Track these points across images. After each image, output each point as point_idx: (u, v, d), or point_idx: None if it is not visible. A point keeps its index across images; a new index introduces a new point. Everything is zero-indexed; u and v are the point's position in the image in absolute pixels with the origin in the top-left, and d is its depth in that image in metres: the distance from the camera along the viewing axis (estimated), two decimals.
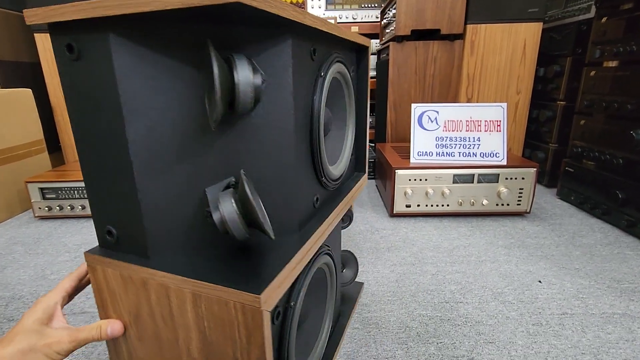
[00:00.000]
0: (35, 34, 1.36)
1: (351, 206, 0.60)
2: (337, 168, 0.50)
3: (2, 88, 1.36)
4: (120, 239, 0.36)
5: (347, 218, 0.67)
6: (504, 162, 1.08)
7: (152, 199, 0.33)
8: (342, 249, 0.64)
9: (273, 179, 0.36)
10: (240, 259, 0.35)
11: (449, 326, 0.64)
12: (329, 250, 0.49)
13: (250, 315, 0.30)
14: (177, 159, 0.33)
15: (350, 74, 0.51)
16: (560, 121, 1.31)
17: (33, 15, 0.30)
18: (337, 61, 0.45)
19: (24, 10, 0.29)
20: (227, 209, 0.31)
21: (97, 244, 0.38)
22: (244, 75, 0.29)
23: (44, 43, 1.37)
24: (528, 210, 1.11)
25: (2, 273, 0.85)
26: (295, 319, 0.38)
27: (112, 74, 0.29)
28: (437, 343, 0.60)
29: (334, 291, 0.55)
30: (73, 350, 0.35)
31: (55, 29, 0.31)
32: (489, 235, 1.00)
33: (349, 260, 0.67)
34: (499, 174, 1.07)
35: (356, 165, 0.62)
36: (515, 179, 1.07)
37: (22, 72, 1.46)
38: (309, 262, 0.42)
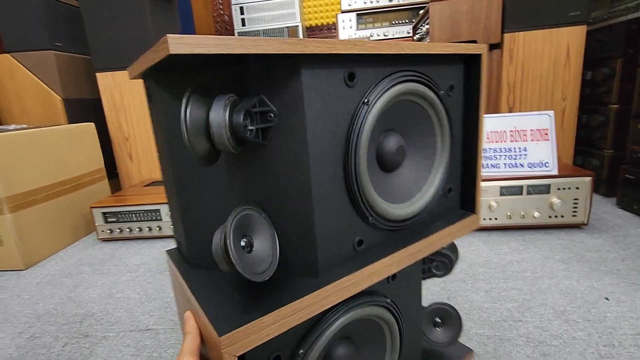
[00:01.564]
0: (97, 74, 1.51)
1: (456, 252, 0.54)
2: (410, 206, 0.44)
3: (68, 123, 1.51)
4: None
5: (442, 266, 0.53)
6: (555, 172, 1.03)
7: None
8: (441, 302, 0.56)
9: (289, 215, 0.35)
10: (249, 290, 0.35)
11: (509, 346, 0.62)
12: (389, 303, 0.44)
13: (216, 353, 0.30)
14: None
15: (439, 93, 0.44)
16: (615, 126, 1.24)
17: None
18: (408, 81, 0.40)
19: (169, 38, 0.26)
20: (214, 241, 0.32)
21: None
22: (216, 115, 0.30)
23: (104, 81, 1.52)
24: (585, 222, 1.04)
25: (74, 292, 0.93)
26: None
27: (303, 116, 0.33)
28: None
29: (397, 352, 0.47)
30: None
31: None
32: (544, 250, 0.95)
33: (447, 316, 0.55)
34: (550, 185, 1.03)
35: (462, 203, 0.52)
36: (569, 189, 1.02)
37: (84, 108, 1.62)
38: (335, 311, 0.39)
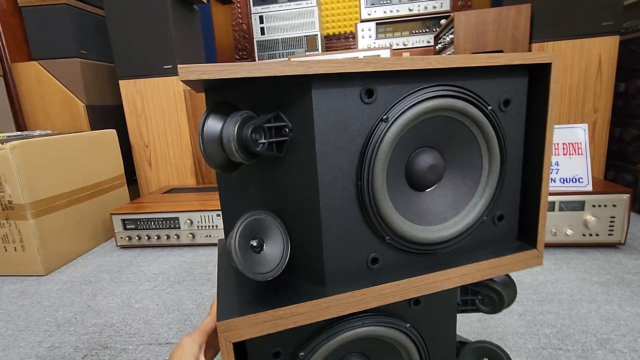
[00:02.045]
0: (119, 81, 1.53)
1: (510, 289, 0.49)
2: (442, 230, 0.41)
3: (91, 130, 1.53)
4: None
5: (489, 301, 0.48)
6: (589, 188, 0.98)
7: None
8: (490, 342, 0.50)
9: (301, 225, 0.38)
10: (261, 288, 0.39)
11: None
12: (408, 328, 0.43)
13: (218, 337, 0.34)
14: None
15: (485, 109, 0.40)
16: None
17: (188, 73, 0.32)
18: (441, 96, 0.38)
19: (179, 68, 0.31)
20: (228, 238, 0.37)
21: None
22: (226, 130, 0.35)
23: (126, 89, 1.53)
24: (622, 241, 0.99)
25: (94, 300, 0.93)
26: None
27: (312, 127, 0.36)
28: None
29: None
30: None
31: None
32: (579, 270, 0.90)
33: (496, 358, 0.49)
34: (584, 201, 0.98)
35: (520, 234, 0.47)
36: (605, 206, 0.97)
37: (106, 115, 1.64)
38: (344, 323, 0.40)
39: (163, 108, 1.53)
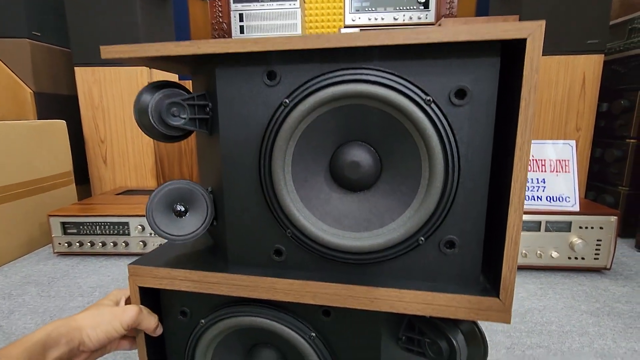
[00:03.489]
0: (75, 67, 1.38)
1: (477, 348, 0.38)
2: (359, 239, 0.35)
3: (38, 119, 1.36)
4: None
5: (435, 350, 0.37)
6: (577, 208, 0.93)
7: None
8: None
9: (216, 202, 0.42)
10: (185, 251, 0.46)
11: None
12: (312, 337, 0.39)
13: None
14: None
15: (423, 100, 0.31)
16: (633, 161, 1.15)
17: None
18: (355, 81, 0.32)
19: (101, 48, 0.38)
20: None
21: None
22: (146, 102, 0.39)
23: (83, 77, 1.38)
24: (608, 267, 0.93)
25: (7, 319, 0.77)
26: (197, 330, 0.43)
27: None
28: None
29: None
30: (132, 326, 0.40)
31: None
32: (565, 297, 0.83)
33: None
34: (571, 222, 0.92)
35: (486, 273, 0.37)
36: (592, 228, 0.91)
37: (59, 104, 1.47)
38: (246, 309, 0.41)
39: (124, 100, 1.39)
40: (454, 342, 0.37)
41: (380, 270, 0.37)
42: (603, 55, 1.20)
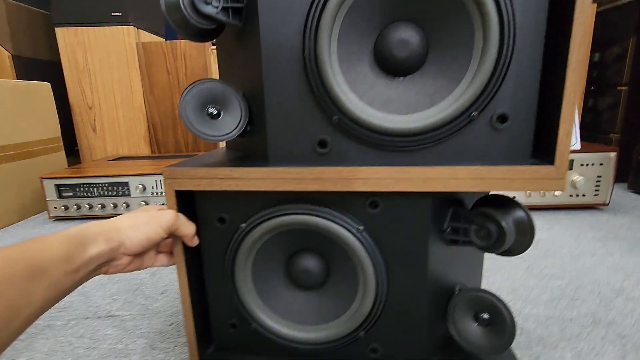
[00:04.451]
0: (56, 28, 1.30)
1: (523, 226, 0.39)
2: (409, 121, 0.35)
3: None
4: None
5: (484, 235, 0.38)
6: (578, 147, 0.95)
7: None
8: (491, 293, 0.40)
9: (251, 98, 0.40)
10: (220, 159, 0.45)
11: (577, 327, 0.50)
12: (360, 231, 0.38)
13: None
14: None
15: None
16: (625, 107, 1.19)
17: None
18: None
19: None
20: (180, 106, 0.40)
21: None
22: None
23: (65, 38, 1.30)
24: (607, 202, 0.97)
25: None
26: (237, 236, 0.41)
27: None
28: (572, 348, 0.46)
29: (369, 300, 0.40)
30: (170, 230, 0.38)
31: None
32: (571, 228, 0.86)
33: (496, 315, 0.40)
34: (572, 160, 0.94)
35: (535, 148, 0.35)
36: (592, 165, 0.94)
37: (40, 70, 1.39)
38: (287, 208, 0.39)
39: (111, 63, 1.32)
40: (503, 224, 0.38)
41: (431, 153, 0.36)
42: (595, 5, 1.22)
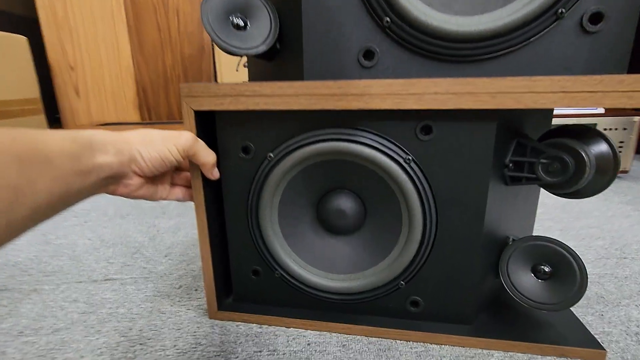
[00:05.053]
0: None
1: (606, 162, 0.33)
2: (476, 20, 0.29)
3: None
4: None
5: (560, 168, 0.32)
6: (602, 110, 0.91)
7: None
8: (557, 241, 0.35)
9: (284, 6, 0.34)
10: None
11: (635, 285, 0.46)
12: (408, 161, 0.32)
13: None
14: None
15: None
16: None
17: None
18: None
19: None
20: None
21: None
22: None
23: None
24: (628, 169, 0.93)
25: None
26: (264, 168, 0.35)
27: None
28: (637, 306, 0.42)
29: (414, 243, 0.34)
30: (188, 153, 0.32)
31: None
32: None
33: (562, 267, 0.35)
34: (596, 124, 0.90)
35: (633, 57, 0.31)
36: (616, 129, 0.90)
37: (14, 26, 1.25)
38: (320, 132, 0.33)
39: (95, 17, 1.20)
40: (583, 154, 0.32)
41: (500, 64, 0.30)
42: None
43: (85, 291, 0.47)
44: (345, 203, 0.36)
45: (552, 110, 0.39)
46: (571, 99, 0.28)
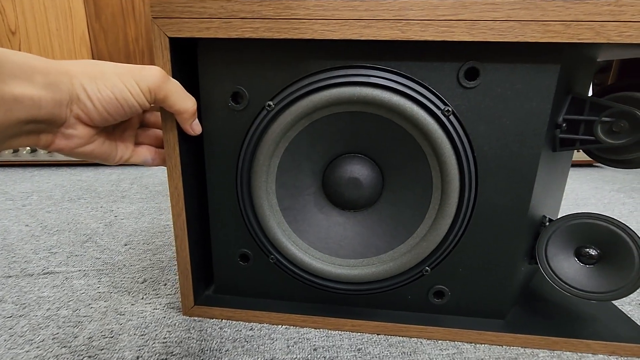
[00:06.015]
0: None
1: None
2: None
3: None
4: None
5: (626, 125, 0.26)
6: None
7: None
8: (606, 217, 0.29)
9: None
10: None
11: None
12: (448, 112, 0.25)
13: None
14: None
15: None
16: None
17: None
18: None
19: None
20: None
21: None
22: None
23: None
24: None
25: None
26: (261, 122, 0.27)
27: None
28: None
29: (447, 218, 0.27)
30: (156, 95, 0.23)
31: None
32: (587, 182, 0.81)
33: (614, 247, 0.29)
34: None
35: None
36: None
37: None
38: (328, 73, 0.26)
39: None
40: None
41: None
42: None
43: (16, 288, 0.36)
44: (359, 170, 0.29)
45: (595, 61, 0.34)
46: None
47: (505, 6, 0.22)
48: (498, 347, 0.29)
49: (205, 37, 0.24)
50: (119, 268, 0.40)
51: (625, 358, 0.28)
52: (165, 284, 0.37)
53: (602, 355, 0.29)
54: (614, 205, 0.65)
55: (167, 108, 0.25)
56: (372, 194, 0.30)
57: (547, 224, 0.32)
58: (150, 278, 0.38)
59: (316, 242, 0.30)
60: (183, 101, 0.24)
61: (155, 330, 0.30)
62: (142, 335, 0.30)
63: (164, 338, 0.29)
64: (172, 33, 0.24)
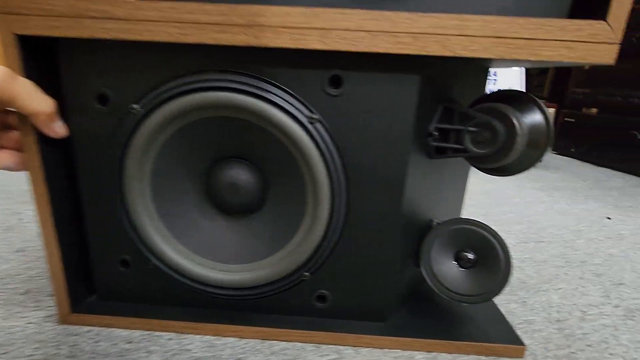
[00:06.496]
0: None
1: (539, 135, 0.28)
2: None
3: None
4: None
5: (487, 136, 0.28)
6: None
7: None
8: (482, 224, 0.31)
9: None
10: None
11: (552, 269, 0.45)
12: (312, 120, 0.25)
13: None
14: None
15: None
16: (554, 74, 1.25)
17: None
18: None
19: None
20: None
21: None
22: None
23: None
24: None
25: None
26: (128, 125, 0.26)
27: None
28: (556, 290, 0.40)
29: (322, 221, 0.27)
30: (3, 102, 0.22)
31: None
32: (510, 180, 0.85)
33: (487, 254, 0.31)
34: None
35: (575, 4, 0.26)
36: None
37: None
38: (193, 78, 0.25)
39: None
40: (514, 121, 0.28)
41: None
42: None
43: None
44: (239, 175, 0.28)
45: (486, 71, 0.35)
46: (508, 47, 0.23)
47: (356, 16, 0.21)
48: (378, 350, 0.30)
49: (59, 36, 0.22)
50: (1, 278, 0.37)
51: (490, 357, 0.30)
52: (50, 295, 0.35)
53: (473, 356, 0.30)
54: (534, 204, 0.69)
55: (18, 110, 0.23)
56: (252, 199, 0.29)
57: (433, 227, 0.33)
58: (36, 288, 0.36)
59: (198, 247, 0.29)
60: (36, 103, 0.22)
61: (21, 347, 0.28)
62: (2, 354, 0.27)
63: (29, 356, 0.27)
64: (18, 30, 0.22)
